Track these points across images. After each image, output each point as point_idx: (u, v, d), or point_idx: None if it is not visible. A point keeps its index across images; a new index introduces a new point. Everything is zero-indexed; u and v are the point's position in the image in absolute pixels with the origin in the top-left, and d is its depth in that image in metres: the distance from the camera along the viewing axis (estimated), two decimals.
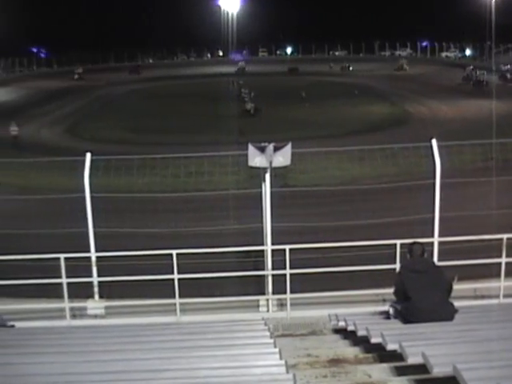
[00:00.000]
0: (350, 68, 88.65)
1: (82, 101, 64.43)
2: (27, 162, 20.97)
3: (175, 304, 11.32)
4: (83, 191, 11.94)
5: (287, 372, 6.48)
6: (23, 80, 76.86)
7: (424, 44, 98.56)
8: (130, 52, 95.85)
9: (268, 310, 11.82)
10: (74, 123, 51.05)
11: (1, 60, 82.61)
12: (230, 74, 79.53)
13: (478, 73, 66.60)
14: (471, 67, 70.71)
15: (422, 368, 6.37)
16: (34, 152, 33.71)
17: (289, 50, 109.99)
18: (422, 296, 8.02)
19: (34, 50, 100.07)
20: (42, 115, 54.64)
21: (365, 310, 10.48)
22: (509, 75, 64.54)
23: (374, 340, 7.77)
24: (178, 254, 11.00)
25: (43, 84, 75.41)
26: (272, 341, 7.75)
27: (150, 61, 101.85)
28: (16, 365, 6.92)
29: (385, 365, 7.30)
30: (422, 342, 6.98)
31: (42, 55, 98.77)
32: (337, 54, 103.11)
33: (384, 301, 10.61)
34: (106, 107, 60.36)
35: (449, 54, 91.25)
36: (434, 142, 11.76)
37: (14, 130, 40.74)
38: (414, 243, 8.74)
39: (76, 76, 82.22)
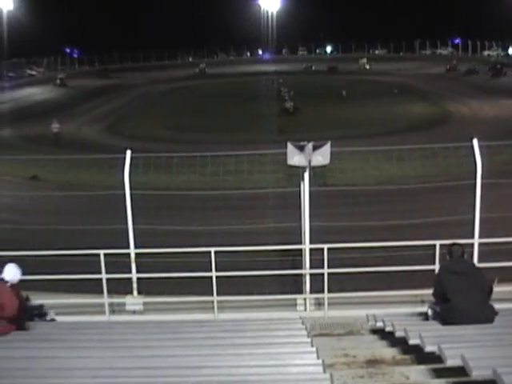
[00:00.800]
0: (367, 67, 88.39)
1: (122, 99, 64.96)
2: (68, 158, 21.25)
3: (213, 301, 11.36)
4: (123, 188, 12.04)
5: (324, 372, 6.46)
6: (68, 78, 77.89)
7: (458, 42, 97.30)
8: (170, 51, 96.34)
9: (305, 309, 11.79)
10: (114, 121, 51.52)
11: (43, 59, 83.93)
12: (269, 73, 79.45)
13: None
14: None
15: (461, 371, 6.30)
16: (75, 149, 34.19)
17: (328, 49, 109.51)
18: (462, 298, 7.92)
19: (67, 50, 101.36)
20: (83, 113, 55.29)
21: (403, 310, 10.38)
22: None
23: (412, 341, 7.68)
24: (216, 252, 11.04)
25: (84, 82, 76.43)
26: (309, 340, 7.73)
27: (190, 59, 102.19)
28: (57, 358, 7.02)
29: (423, 367, 7.23)
30: (461, 345, 6.89)
31: (75, 55, 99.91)
32: (377, 52, 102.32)
33: (423, 302, 10.52)
34: (145, 105, 60.77)
35: (491, 52, 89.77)
36: (475, 142, 11.59)
37: (55, 127, 41.36)
38: (454, 244, 8.62)
39: (105, 74, 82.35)
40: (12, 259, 9.55)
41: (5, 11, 65.54)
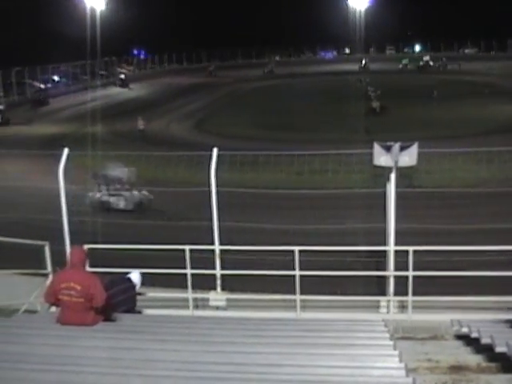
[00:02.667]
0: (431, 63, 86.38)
1: (211, 97, 65.67)
2: (156, 155, 21.66)
3: (295, 300, 11.38)
4: (209, 185, 12.21)
5: (407, 376, 6.38)
6: (155, 76, 79.45)
7: None
8: (257, 49, 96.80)
9: (388, 312, 11.67)
10: (203, 119, 52.15)
11: (133, 58, 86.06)
12: (356, 72, 78.78)
13: None
14: None
15: None
16: (163, 146, 34.88)
17: (417, 48, 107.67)
18: None
19: (135, 51, 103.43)
20: (172, 110, 56.26)
21: (489, 317, 10.14)
22: None
23: (498, 349, 7.47)
24: (300, 251, 11.05)
25: (174, 80, 77.78)
26: (392, 343, 7.63)
27: (277, 58, 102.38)
28: (142, 350, 7.18)
29: (509, 376, 7.04)
30: None
31: (142, 56, 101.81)
32: (466, 51, 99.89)
33: (510, 309, 10.25)
34: (234, 104, 61.30)
35: None
36: None
37: (141, 124, 42.41)
38: None
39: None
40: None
41: (98, 11, 67.19)
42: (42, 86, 66.85)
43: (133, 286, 9.98)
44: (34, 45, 77.63)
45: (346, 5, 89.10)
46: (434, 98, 54.75)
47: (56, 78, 71.23)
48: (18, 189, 24.47)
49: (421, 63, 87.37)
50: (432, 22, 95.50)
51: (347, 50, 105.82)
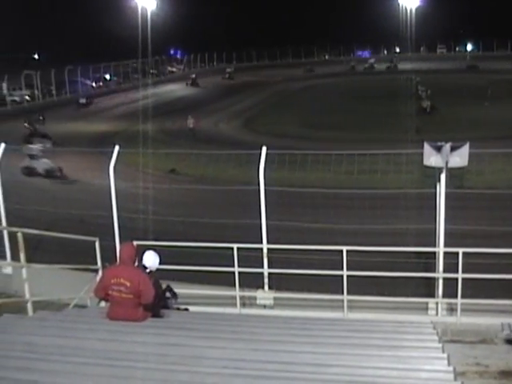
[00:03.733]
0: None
1: (260, 96, 65.80)
2: (205, 153, 21.82)
3: (343, 300, 11.35)
4: (257, 184, 12.24)
5: (455, 379, 6.30)
6: (204, 75, 79.88)
7: None
8: (306, 48, 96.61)
9: (437, 314, 11.56)
10: (251, 118, 52.27)
11: (183, 57, 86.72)
12: (406, 71, 77.96)
13: None
14: None
15: None
16: (212, 144, 35.10)
17: (469, 47, 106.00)
18: None
19: (172, 51, 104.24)
20: (221, 109, 56.55)
21: None
22: None
23: None
24: (347, 251, 11.01)
25: (222, 80, 78.30)
26: (440, 346, 7.54)
27: (326, 57, 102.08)
28: (190, 347, 7.24)
29: None
30: None
31: (178, 56, 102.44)
32: None
33: None
34: (282, 103, 61.29)
35: None
36: None
37: (190, 122, 42.78)
38: None
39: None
40: (150, 248, 9.93)
41: (149, 11, 67.87)
42: (94, 84, 67.95)
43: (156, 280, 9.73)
44: (87, 44, 79.01)
45: (398, 3, 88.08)
46: (486, 98, 53.79)
47: (107, 76, 72.21)
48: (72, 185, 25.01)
49: (366, 65, 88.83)
50: (485, 20, 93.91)
51: (397, 49, 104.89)
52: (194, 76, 75.18)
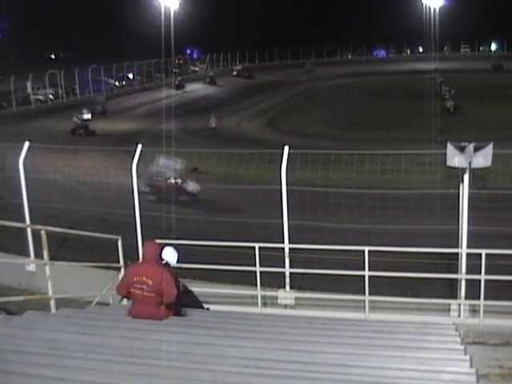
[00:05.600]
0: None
1: (283, 95, 65.77)
2: (227, 152, 21.84)
3: (364, 301, 11.31)
4: (280, 183, 12.23)
5: (477, 382, 6.27)
6: (226, 75, 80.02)
7: None
8: (329, 47, 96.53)
9: (459, 315, 11.47)
10: (274, 117, 52.26)
11: (206, 56, 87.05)
12: (430, 71, 77.47)
13: None
14: None
15: None
16: (235, 143, 35.15)
17: (493, 47, 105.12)
18: None
19: (188, 51, 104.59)
20: (244, 109, 56.62)
21: None
22: None
23: None
24: (369, 251, 10.97)
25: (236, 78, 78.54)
26: (462, 347, 7.50)
27: (349, 56, 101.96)
28: (212, 345, 7.27)
29: None
30: None
31: (195, 56, 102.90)
32: None
33: None
34: (305, 102, 61.22)
35: None
36: None
37: (213, 121, 42.90)
38: None
39: (234, 73, 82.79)
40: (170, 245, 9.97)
41: (172, 10, 68.05)
42: (117, 83, 68.34)
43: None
44: (111, 43, 79.44)
45: (421, 2, 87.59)
46: (510, 98, 53.28)
47: (130, 75, 72.60)
48: (93, 183, 25.12)
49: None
50: (509, 20, 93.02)
51: (420, 49, 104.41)
52: (211, 74, 75.39)
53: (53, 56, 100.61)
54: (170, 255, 9.40)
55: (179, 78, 72.10)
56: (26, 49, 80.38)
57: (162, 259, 9.23)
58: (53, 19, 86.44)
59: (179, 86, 67.47)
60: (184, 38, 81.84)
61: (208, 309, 10.91)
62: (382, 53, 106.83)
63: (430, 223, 15.47)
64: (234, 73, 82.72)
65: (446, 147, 11.00)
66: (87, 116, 42.59)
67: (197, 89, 70.05)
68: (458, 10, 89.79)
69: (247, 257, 11.86)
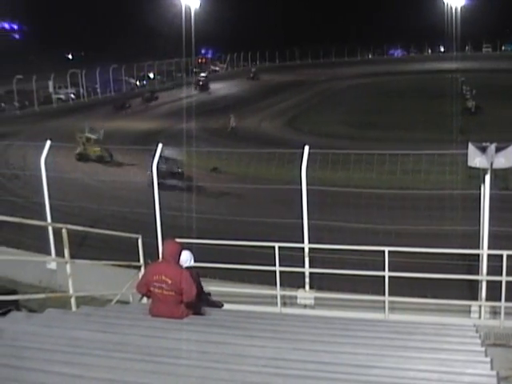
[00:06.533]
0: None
1: (303, 95, 65.67)
2: (248, 152, 21.88)
3: (384, 301, 11.27)
4: (299, 183, 12.22)
5: None
6: (246, 74, 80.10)
7: None
8: (350, 47, 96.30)
9: (480, 317, 11.40)
10: (294, 117, 52.22)
11: (226, 56, 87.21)
12: (451, 71, 76.98)
13: None
14: None
15: None
16: (254, 143, 35.18)
17: None
18: None
19: (203, 50, 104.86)
20: (264, 108, 56.63)
21: None
22: None
23: None
24: (389, 252, 10.92)
25: (266, 78, 78.38)
26: (483, 349, 7.42)
27: (370, 56, 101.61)
28: (231, 345, 7.26)
29: None
30: None
31: (209, 55, 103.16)
32: None
33: None
34: (326, 102, 61.10)
35: None
36: None
37: (233, 121, 43.03)
38: None
39: (251, 75, 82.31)
40: (190, 246, 10.00)
41: (193, 10, 68.14)
42: (138, 82, 68.69)
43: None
44: (131, 42, 79.69)
45: (442, 1, 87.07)
46: None
47: (151, 75, 72.89)
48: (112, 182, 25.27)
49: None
50: None
51: (442, 49, 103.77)
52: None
53: (70, 56, 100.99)
54: (184, 260, 9.39)
55: (202, 76, 72.15)
56: (46, 49, 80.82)
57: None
58: (73, 19, 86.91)
59: (203, 87, 67.54)
60: (204, 37, 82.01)
61: (222, 304, 10.82)
62: (397, 52, 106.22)
63: (451, 224, 15.39)
64: (251, 75, 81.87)
65: (467, 147, 10.94)
66: None
67: (217, 88, 70.08)
68: (479, 9, 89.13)
69: (267, 256, 11.87)
